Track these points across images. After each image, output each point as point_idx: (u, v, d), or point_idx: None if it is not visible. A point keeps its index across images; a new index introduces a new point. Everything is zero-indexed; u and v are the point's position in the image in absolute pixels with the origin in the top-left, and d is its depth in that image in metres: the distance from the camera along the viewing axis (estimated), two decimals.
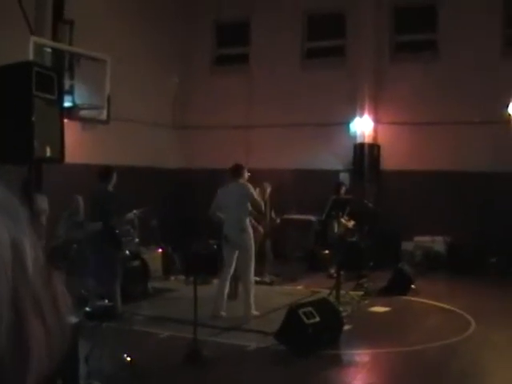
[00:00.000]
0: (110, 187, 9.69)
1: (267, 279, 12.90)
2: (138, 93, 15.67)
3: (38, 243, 0.74)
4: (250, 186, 9.99)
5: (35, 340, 0.71)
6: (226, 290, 10.08)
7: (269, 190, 13.12)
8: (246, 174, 10.13)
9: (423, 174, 15.14)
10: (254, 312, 9.84)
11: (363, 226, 13.73)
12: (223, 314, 9.77)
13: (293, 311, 8.07)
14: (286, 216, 14.53)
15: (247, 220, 9.94)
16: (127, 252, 10.96)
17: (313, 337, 7.84)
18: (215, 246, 11.79)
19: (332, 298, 9.90)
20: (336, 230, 12.94)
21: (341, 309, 9.40)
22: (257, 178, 12.99)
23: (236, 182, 9.96)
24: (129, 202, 10.98)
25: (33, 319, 0.71)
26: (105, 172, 9.80)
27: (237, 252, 9.86)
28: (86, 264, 9.60)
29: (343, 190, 13.62)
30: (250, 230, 9.95)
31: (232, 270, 10.00)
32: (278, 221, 13.52)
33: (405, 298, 11.40)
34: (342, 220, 12.98)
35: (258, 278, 12.51)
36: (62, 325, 0.76)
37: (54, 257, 9.68)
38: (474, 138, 14.74)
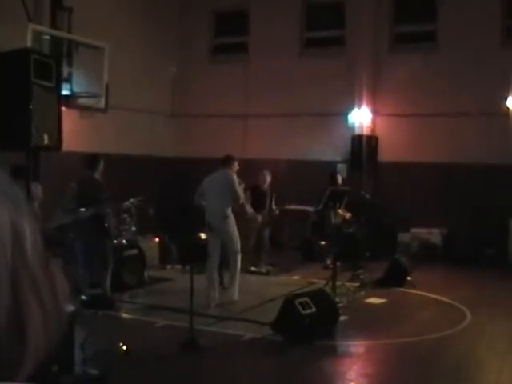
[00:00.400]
0: (98, 175, 9.66)
1: (263, 269, 12.90)
2: (136, 81, 15.63)
3: (37, 228, 0.74)
4: (234, 175, 9.98)
5: (33, 323, 0.71)
6: (216, 279, 10.10)
7: (269, 178, 13.11)
8: (236, 166, 10.13)
9: (421, 165, 15.12)
10: (236, 297, 9.85)
11: (360, 217, 13.72)
12: (217, 302, 9.78)
13: (289, 301, 8.08)
14: (283, 206, 14.51)
15: (229, 208, 9.90)
16: (124, 241, 10.96)
17: (309, 327, 7.85)
18: None
19: (328, 289, 9.90)
20: (333, 220, 12.92)
21: (337, 300, 9.42)
22: (254, 167, 13.01)
23: (221, 171, 9.97)
24: (126, 191, 10.97)
25: (31, 302, 0.71)
26: (91, 160, 9.76)
27: (220, 241, 9.88)
28: (77, 252, 9.60)
29: (340, 179, 13.61)
30: (232, 217, 9.92)
31: (217, 259, 10.00)
32: (278, 211, 13.51)
33: (401, 289, 11.41)
34: (339, 211, 12.97)
35: (254, 268, 12.55)
36: (60, 310, 0.76)
37: (50, 244, 9.66)
38: (472, 130, 14.71)
